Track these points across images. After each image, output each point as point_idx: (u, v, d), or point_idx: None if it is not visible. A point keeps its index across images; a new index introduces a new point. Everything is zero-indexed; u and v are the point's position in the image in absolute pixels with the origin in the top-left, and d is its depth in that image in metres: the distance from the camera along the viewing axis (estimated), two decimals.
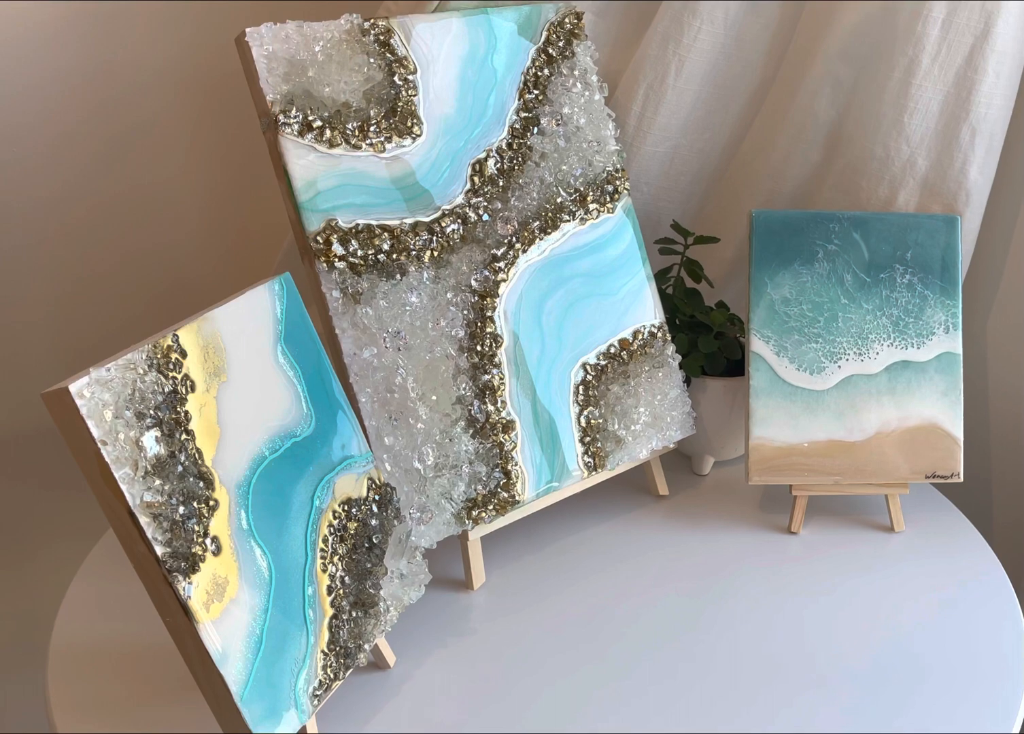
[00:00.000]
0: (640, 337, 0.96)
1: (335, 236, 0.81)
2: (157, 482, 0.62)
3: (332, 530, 0.74)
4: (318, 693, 0.70)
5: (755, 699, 0.76)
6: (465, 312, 0.87)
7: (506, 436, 0.87)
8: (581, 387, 0.92)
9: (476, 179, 0.88)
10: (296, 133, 0.80)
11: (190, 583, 0.62)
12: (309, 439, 0.74)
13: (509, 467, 0.87)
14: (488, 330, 0.87)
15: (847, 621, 0.84)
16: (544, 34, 0.93)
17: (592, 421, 0.92)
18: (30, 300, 1.21)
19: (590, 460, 0.92)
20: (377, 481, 0.79)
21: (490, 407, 0.86)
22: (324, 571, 0.72)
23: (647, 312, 0.97)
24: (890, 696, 0.76)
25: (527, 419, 0.89)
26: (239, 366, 0.69)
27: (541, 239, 0.91)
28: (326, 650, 0.71)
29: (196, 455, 0.65)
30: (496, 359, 0.87)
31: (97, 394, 0.59)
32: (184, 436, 0.64)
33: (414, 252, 0.84)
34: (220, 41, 0.98)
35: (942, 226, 0.95)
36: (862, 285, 0.95)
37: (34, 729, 1.32)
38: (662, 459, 1.02)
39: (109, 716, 0.75)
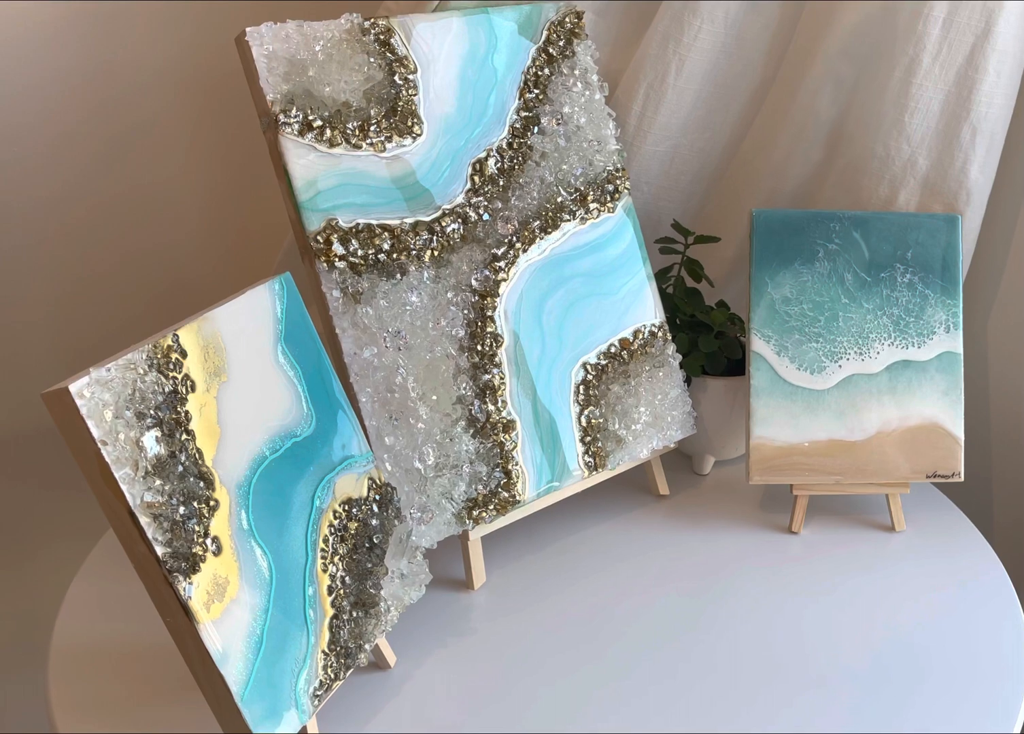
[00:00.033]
0: (641, 337, 0.96)
1: (335, 236, 0.81)
2: (157, 482, 0.62)
3: (333, 530, 0.74)
4: (319, 693, 0.70)
5: (755, 699, 0.76)
6: (465, 312, 0.87)
7: (507, 436, 0.87)
8: (582, 387, 0.92)
9: (476, 178, 0.88)
10: (296, 133, 0.80)
11: (190, 583, 0.62)
12: (309, 439, 0.74)
13: (510, 467, 0.87)
14: (488, 330, 0.87)
15: (847, 621, 0.84)
16: (544, 33, 0.93)
17: (593, 421, 0.92)
18: (30, 300, 1.21)
19: (591, 460, 0.92)
20: (378, 481, 0.79)
21: (491, 407, 0.86)
22: (325, 571, 0.72)
23: (648, 311, 0.97)
24: (890, 696, 0.76)
25: (527, 419, 0.89)
26: (239, 366, 0.69)
27: (541, 238, 0.91)
28: (327, 650, 0.71)
29: (196, 455, 0.64)
30: (496, 359, 0.87)
31: (97, 394, 0.59)
32: (184, 436, 0.64)
33: (414, 252, 0.84)
34: (220, 41, 0.98)
35: (943, 225, 0.95)
36: (863, 284, 0.95)
37: (35, 729, 1.32)
38: (663, 459, 1.02)
39: (110, 716, 0.75)
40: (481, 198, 0.88)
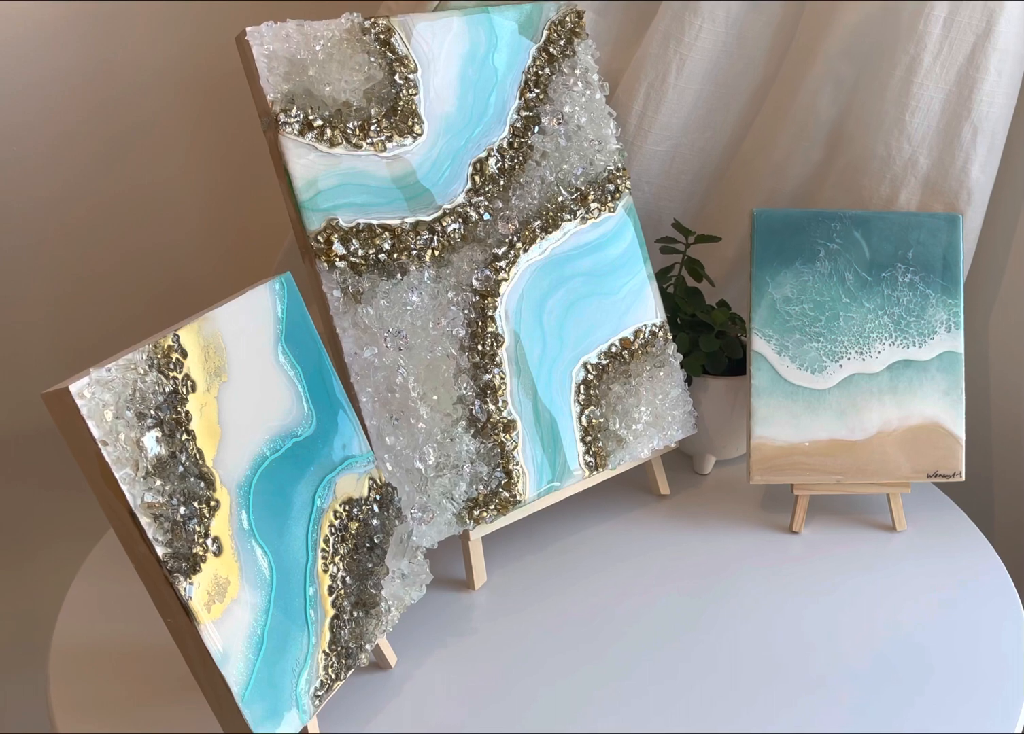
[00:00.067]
0: (641, 336, 0.96)
1: (336, 235, 0.81)
2: (158, 482, 0.61)
3: (333, 530, 0.74)
4: (319, 693, 0.70)
5: (755, 699, 0.76)
6: (466, 311, 0.86)
7: (507, 436, 0.87)
8: (582, 386, 0.92)
9: (477, 178, 0.88)
10: (297, 132, 0.80)
11: (191, 583, 0.62)
12: (310, 439, 0.74)
13: (510, 467, 0.87)
14: (489, 329, 0.87)
15: (848, 621, 0.84)
16: (545, 33, 0.93)
17: (593, 420, 0.92)
18: (30, 300, 1.21)
19: (591, 459, 0.92)
20: (378, 481, 0.79)
21: (491, 406, 0.86)
22: (325, 571, 0.72)
23: (648, 311, 0.97)
24: (891, 696, 0.76)
25: (528, 418, 0.88)
26: (240, 366, 0.69)
27: (542, 238, 0.91)
28: (327, 650, 0.71)
29: (197, 455, 0.64)
30: (497, 358, 0.87)
31: (98, 394, 0.59)
32: (185, 436, 0.64)
33: (415, 251, 0.84)
34: (220, 41, 0.98)
35: (944, 225, 0.95)
36: (863, 284, 0.94)
37: (35, 729, 1.32)
38: (663, 458, 1.02)
39: (110, 716, 0.75)
40: (482, 198, 0.88)
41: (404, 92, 0.85)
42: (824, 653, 0.81)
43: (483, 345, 0.87)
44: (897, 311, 0.94)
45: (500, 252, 0.89)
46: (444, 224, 0.86)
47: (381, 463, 0.82)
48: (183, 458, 0.63)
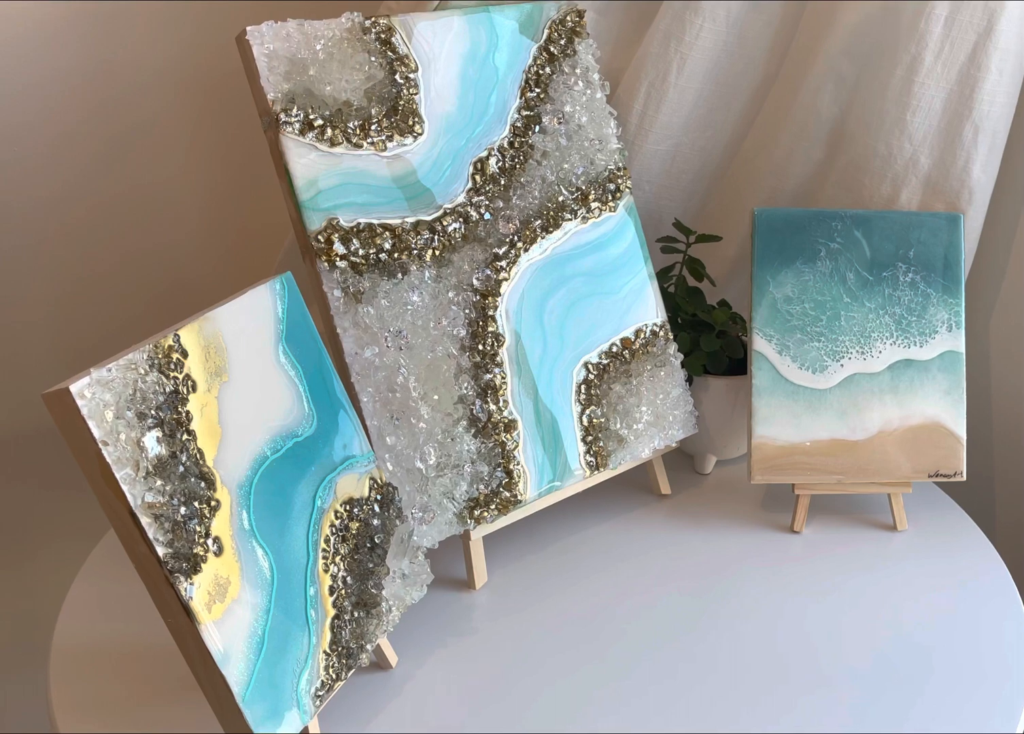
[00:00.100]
0: (642, 336, 0.96)
1: (336, 235, 0.81)
2: (158, 482, 0.61)
3: (334, 530, 0.74)
4: (320, 693, 0.70)
5: (756, 699, 0.76)
6: (467, 311, 0.86)
7: (508, 435, 0.87)
8: (583, 386, 0.92)
9: (478, 177, 0.88)
10: (297, 132, 0.80)
11: (192, 584, 0.62)
12: (311, 439, 0.74)
13: (511, 466, 0.87)
14: (490, 329, 0.87)
15: (849, 620, 0.84)
16: (546, 32, 0.93)
17: (594, 420, 0.92)
18: (30, 300, 1.21)
19: (592, 459, 0.92)
20: (379, 481, 0.79)
21: (492, 406, 0.86)
22: (326, 571, 0.72)
23: (649, 311, 0.97)
24: (892, 696, 0.76)
25: (529, 418, 0.88)
26: (240, 366, 0.69)
27: (543, 238, 0.91)
28: (328, 650, 0.71)
29: (197, 455, 0.64)
30: (498, 358, 0.87)
31: (98, 394, 0.59)
32: (185, 436, 0.64)
33: (416, 251, 0.84)
34: (220, 41, 0.98)
35: (945, 224, 0.95)
36: (864, 283, 0.94)
37: (35, 729, 1.32)
38: (664, 458, 1.01)
39: (110, 716, 0.75)
40: (482, 197, 0.88)
41: (405, 91, 0.85)
42: (825, 653, 0.81)
43: (484, 345, 0.87)
44: (898, 311, 0.94)
45: (501, 252, 0.88)
46: (445, 224, 0.86)
47: (382, 463, 0.82)
48: (184, 458, 0.63)
